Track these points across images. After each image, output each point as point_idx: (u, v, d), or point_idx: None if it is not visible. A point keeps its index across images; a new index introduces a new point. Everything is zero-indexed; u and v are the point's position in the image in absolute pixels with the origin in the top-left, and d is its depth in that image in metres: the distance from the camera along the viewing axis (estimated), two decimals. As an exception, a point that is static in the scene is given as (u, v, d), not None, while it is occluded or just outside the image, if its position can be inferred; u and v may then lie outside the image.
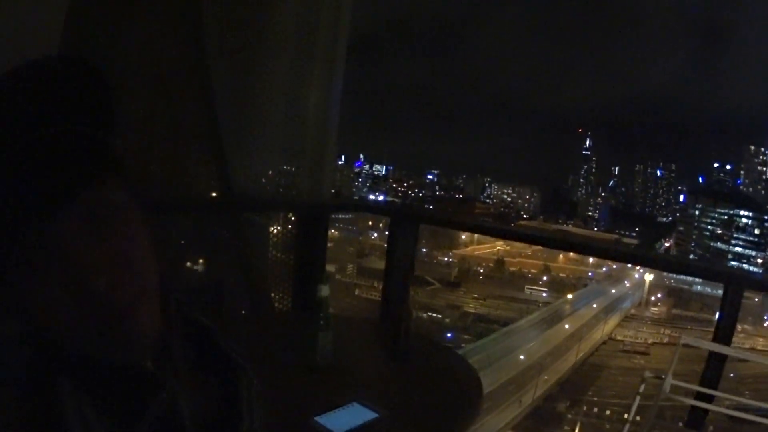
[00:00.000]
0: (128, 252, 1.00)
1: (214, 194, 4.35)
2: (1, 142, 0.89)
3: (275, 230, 4.92)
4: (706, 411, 3.64)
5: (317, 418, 2.40)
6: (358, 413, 2.51)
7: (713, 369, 3.75)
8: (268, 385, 1.91)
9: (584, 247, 7.06)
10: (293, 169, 4.85)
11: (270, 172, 4.75)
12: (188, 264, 4.50)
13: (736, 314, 3.91)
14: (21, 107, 0.93)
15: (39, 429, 0.96)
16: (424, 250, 58.03)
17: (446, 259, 64.40)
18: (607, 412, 38.32)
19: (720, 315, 3.93)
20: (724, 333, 3.82)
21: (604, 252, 6.90)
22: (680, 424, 3.88)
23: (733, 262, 66.38)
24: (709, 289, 53.68)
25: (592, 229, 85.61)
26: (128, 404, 1.04)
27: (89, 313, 0.95)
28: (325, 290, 2.92)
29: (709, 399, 3.63)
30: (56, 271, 0.93)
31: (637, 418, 3.63)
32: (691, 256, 57.13)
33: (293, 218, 4.82)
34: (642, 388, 3.52)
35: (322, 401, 2.53)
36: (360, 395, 2.61)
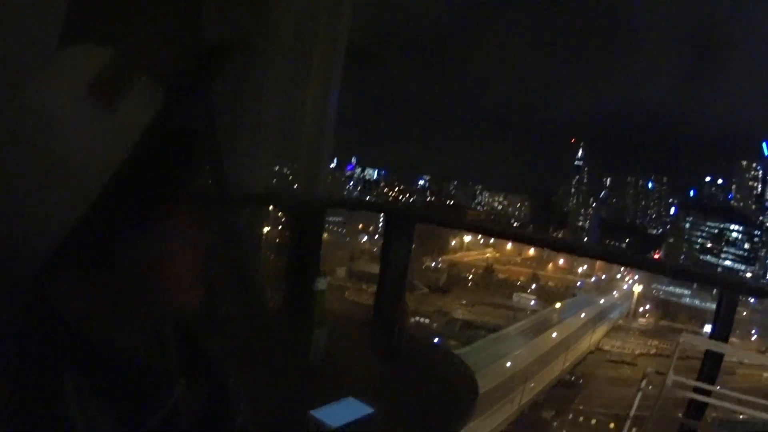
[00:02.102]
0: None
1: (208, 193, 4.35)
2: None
3: (269, 229, 4.91)
4: (705, 405, 3.73)
5: (313, 413, 2.39)
6: (354, 408, 2.52)
7: (710, 368, 3.85)
8: (263, 381, 1.89)
9: (581, 250, 7.10)
10: (288, 170, 4.85)
11: (265, 173, 4.74)
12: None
13: (732, 318, 3.98)
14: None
15: (38, 420, 0.95)
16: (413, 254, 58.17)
17: (435, 264, 64.51)
18: (593, 422, 38.44)
19: (715, 319, 4.01)
20: (720, 335, 3.90)
21: (603, 254, 6.97)
22: (680, 415, 3.94)
23: (722, 276, 66.79)
24: (698, 302, 54.01)
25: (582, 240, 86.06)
26: (135, 399, 1.05)
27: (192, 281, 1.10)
28: (322, 283, 2.89)
29: (708, 394, 3.71)
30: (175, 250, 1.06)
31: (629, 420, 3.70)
32: (680, 269, 57.32)
33: (287, 218, 4.81)
34: (643, 383, 3.60)
35: (318, 397, 2.51)
36: (355, 392, 2.59)
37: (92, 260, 0.99)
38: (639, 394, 3.57)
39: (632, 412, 3.52)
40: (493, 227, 54.73)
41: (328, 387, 2.70)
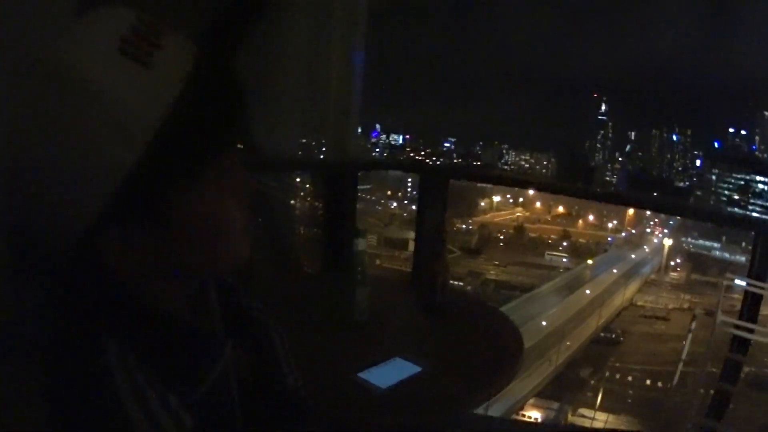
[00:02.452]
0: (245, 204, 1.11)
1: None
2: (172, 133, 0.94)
3: (304, 194, 4.91)
4: (748, 342, 3.94)
5: (360, 374, 2.37)
6: (401, 367, 2.49)
7: (751, 308, 3.98)
8: (308, 344, 1.86)
9: (616, 198, 7.09)
10: (317, 134, 4.84)
11: (293, 139, 4.73)
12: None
13: None
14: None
15: (84, 392, 0.95)
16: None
17: (465, 226, 64.53)
18: (629, 378, 38.40)
19: (752, 262, 4.06)
20: (758, 276, 3.94)
21: (638, 202, 7.00)
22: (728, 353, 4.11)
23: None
24: (727, 255, 53.62)
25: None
26: (184, 365, 1.06)
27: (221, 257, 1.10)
28: (361, 244, 2.86)
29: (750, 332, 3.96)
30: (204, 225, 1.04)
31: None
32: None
33: (320, 182, 4.80)
34: (693, 325, 3.72)
35: (364, 357, 2.50)
36: (401, 350, 2.57)
37: (142, 216, 0.98)
38: (689, 336, 3.68)
39: (684, 355, 3.59)
40: (526, 178, 54.54)
41: (373, 347, 2.67)
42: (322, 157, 4.78)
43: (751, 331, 3.85)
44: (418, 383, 2.40)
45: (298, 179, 5.04)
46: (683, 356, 3.67)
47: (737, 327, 3.92)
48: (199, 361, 1.08)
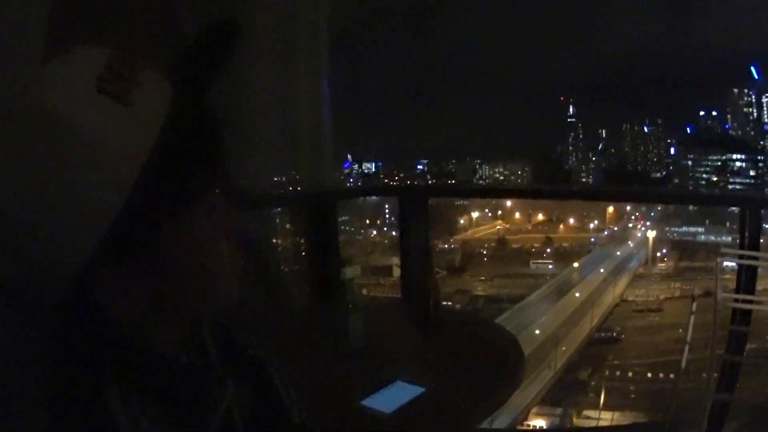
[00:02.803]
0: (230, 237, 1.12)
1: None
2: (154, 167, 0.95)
3: (284, 227, 4.93)
4: (750, 313, 4.07)
5: (364, 402, 2.37)
6: (404, 390, 2.52)
7: (748, 280, 4.13)
8: (308, 376, 1.85)
9: (595, 194, 7.21)
10: (291, 167, 4.87)
11: (267, 173, 4.75)
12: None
13: (759, 233, 4.19)
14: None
15: None
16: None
17: (447, 245, 64.55)
18: (630, 374, 38.44)
19: (741, 236, 4.20)
20: (750, 248, 4.13)
21: (618, 195, 7.11)
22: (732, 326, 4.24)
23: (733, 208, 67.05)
24: (713, 237, 53.87)
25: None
26: (188, 406, 1.07)
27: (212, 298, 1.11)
28: (348, 272, 2.85)
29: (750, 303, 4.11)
30: (187, 258, 1.04)
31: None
32: (690, 207, 57.35)
33: (300, 215, 4.81)
34: (694, 306, 3.84)
35: (365, 385, 2.50)
36: (401, 373, 2.58)
37: (132, 257, 0.99)
38: (692, 318, 3.80)
39: (688, 337, 3.70)
40: (504, 187, 54.63)
41: (373, 373, 2.67)
42: (297, 189, 4.79)
43: (750, 302, 3.96)
44: (422, 404, 2.41)
45: (277, 218, 5.06)
46: (688, 339, 3.76)
47: (737, 300, 4.04)
48: (203, 400, 1.09)
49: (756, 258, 4.01)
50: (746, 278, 4.12)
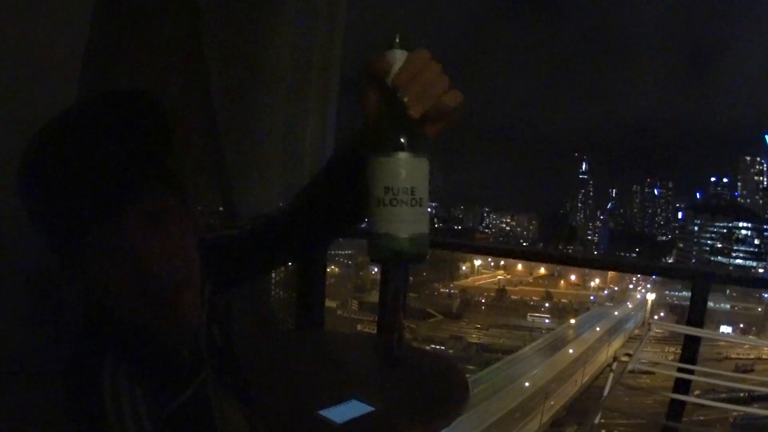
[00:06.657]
0: (177, 245, 1.08)
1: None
2: (84, 160, 0.97)
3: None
4: (689, 383, 3.95)
5: (320, 412, 2.72)
6: (357, 408, 2.82)
7: (689, 351, 4.09)
8: (277, 385, 2.21)
9: (561, 258, 7.32)
10: (295, 192, 4.99)
11: (272, 202, 4.87)
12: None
13: (704, 307, 4.20)
14: (99, 133, 1.00)
15: (79, 406, 1.04)
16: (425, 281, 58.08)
17: (447, 290, 64.31)
18: (614, 432, 38.27)
19: (690, 308, 4.23)
20: (694, 321, 4.12)
21: (576, 261, 7.14)
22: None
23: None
24: (712, 304, 53.64)
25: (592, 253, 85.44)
26: (164, 387, 1.10)
27: (145, 293, 1.03)
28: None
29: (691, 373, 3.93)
30: (120, 258, 1.02)
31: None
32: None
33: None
34: (614, 365, 3.81)
35: (324, 399, 2.83)
36: (357, 393, 2.93)
37: (63, 249, 1.06)
38: (611, 376, 3.80)
39: (605, 393, 3.72)
40: (502, 246, 54.58)
41: (333, 390, 3.00)
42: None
43: (691, 372, 3.98)
44: (371, 420, 2.72)
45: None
46: (605, 394, 3.86)
47: (679, 370, 4.01)
48: (174, 382, 1.13)
49: (697, 332, 4.07)
50: (688, 349, 3.97)
